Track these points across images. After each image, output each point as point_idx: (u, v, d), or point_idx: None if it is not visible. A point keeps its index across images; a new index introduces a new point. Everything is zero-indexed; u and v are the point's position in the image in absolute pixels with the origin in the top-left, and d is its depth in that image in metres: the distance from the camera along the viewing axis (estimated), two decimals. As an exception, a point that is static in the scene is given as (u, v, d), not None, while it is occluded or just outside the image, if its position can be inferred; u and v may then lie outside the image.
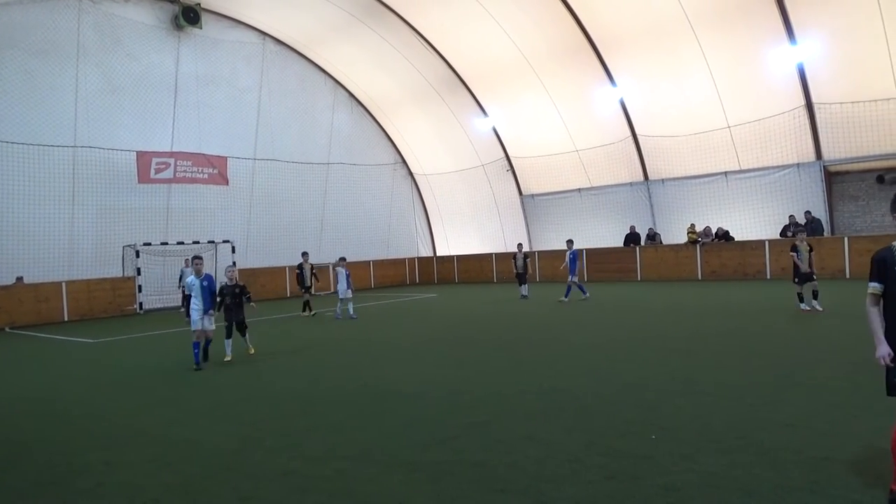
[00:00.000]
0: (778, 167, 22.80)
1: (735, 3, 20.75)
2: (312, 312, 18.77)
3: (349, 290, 17.42)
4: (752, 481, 4.49)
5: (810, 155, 22.06)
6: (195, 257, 11.18)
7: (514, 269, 20.86)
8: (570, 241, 19.43)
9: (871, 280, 4.14)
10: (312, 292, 19.26)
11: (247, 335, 11.69)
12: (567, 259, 18.88)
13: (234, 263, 11.87)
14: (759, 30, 20.87)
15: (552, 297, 20.64)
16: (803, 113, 21.59)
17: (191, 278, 10.85)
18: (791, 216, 22.13)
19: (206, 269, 25.24)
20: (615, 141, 26.26)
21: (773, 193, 23.09)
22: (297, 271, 19.57)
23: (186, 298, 10.76)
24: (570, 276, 18.66)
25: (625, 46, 23.77)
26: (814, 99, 21.19)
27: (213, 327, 10.86)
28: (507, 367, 9.35)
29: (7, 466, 5.88)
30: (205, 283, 10.81)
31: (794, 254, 13.40)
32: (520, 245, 21.90)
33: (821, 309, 12.97)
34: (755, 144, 23.03)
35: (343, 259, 18.21)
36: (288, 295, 27.72)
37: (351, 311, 17.51)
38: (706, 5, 21.24)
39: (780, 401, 6.55)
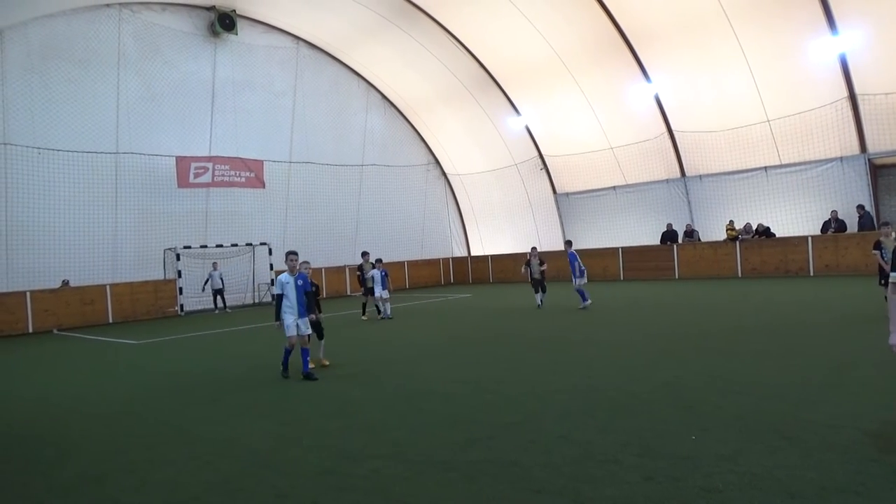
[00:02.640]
0: (820, 161, 22.17)
1: (773, -6, 20.29)
2: (364, 317, 18.08)
3: (385, 291, 17.50)
4: (795, 483, 4.38)
5: (854, 148, 21.40)
6: (290, 252, 9.69)
7: (529, 275, 18.06)
8: (567, 242, 17.99)
9: (892, 270, 4.51)
10: (386, 296, 17.79)
11: (323, 343, 10.49)
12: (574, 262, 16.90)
13: (308, 262, 10.54)
14: (798, 21, 20.33)
15: (590, 294, 20.44)
16: (846, 105, 20.96)
17: (284, 275, 9.60)
18: (833, 211, 21.51)
19: (245, 270, 25.94)
20: (650, 137, 25.89)
21: (815, 188, 22.47)
22: (358, 273, 18.73)
23: (265, 299, 9.89)
24: (577, 280, 16.76)
25: (659, 41, 23.40)
26: (857, 90, 20.55)
27: (310, 331, 9.85)
28: (541, 367, 9.29)
29: (55, 463, 6.06)
30: (300, 283, 9.64)
31: (878, 252, 11.77)
32: (533, 248, 18.73)
33: None
34: (796, 138, 22.44)
35: (379, 260, 17.98)
36: (324, 296, 28.01)
37: (388, 311, 17.64)
38: (743, -3, 20.81)
39: (825, 401, 6.37)
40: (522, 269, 18.40)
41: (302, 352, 9.63)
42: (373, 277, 17.65)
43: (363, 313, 18.38)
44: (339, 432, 6.48)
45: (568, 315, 15.79)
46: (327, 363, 10.36)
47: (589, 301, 16.67)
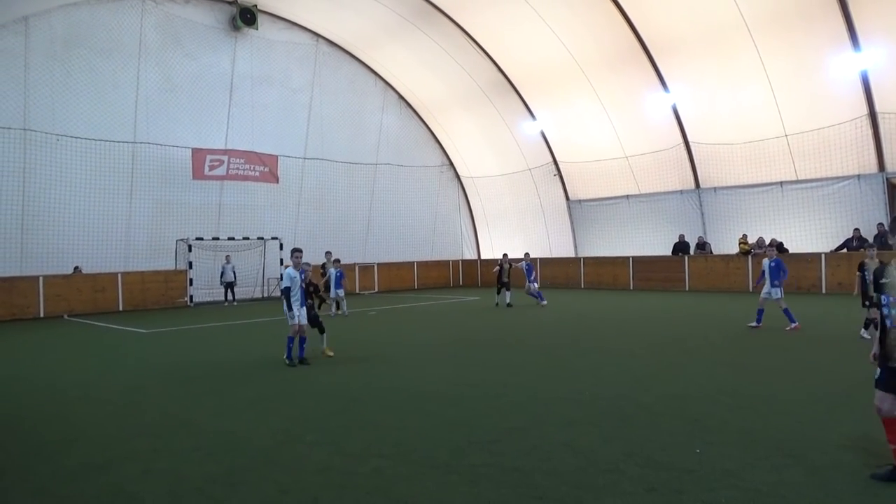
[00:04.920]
0: (837, 178, 21.97)
1: (796, 9, 20.10)
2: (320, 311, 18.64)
3: (340, 290, 18.45)
4: (800, 501, 4.35)
5: (872, 166, 21.19)
6: (295, 250, 10.75)
7: (501, 277, 20.45)
8: (526, 254, 22.51)
9: (875, 291, 4.98)
10: (342, 295, 18.67)
11: (325, 336, 11.19)
12: (524, 268, 21.05)
13: (309, 264, 11.51)
14: (821, 36, 20.17)
15: (598, 303, 20.42)
16: (866, 122, 20.76)
17: (290, 270, 10.45)
18: (856, 229, 21.21)
19: (255, 264, 26.03)
20: (666, 147, 25.76)
21: (831, 205, 22.26)
22: (321, 271, 19.68)
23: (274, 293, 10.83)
24: (532, 285, 20.84)
25: (679, 52, 23.28)
26: (877, 108, 20.33)
27: (306, 322, 10.65)
28: (547, 373, 9.27)
29: (61, 449, 6.11)
30: (303, 276, 10.67)
31: (861, 273, 11.59)
32: (505, 255, 21.68)
33: (868, 337, 11.17)
34: (814, 154, 22.23)
35: (337, 261, 19.04)
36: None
37: (332, 311, 18.47)
38: (765, 11, 20.64)
39: (832, 419, 6.32)
40: (495, 269, 21.06)
41: (300, 339, 10.55)
42: (331, 276, 18.57)
43: (318, 307, 18.83)
44: (343, 430, 6.49)
45: (576, 323, 15.76)
46: (331, 353, 11.13)
47: (545, 301, 20.35)
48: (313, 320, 11.00)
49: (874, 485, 4.58)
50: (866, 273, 11.27)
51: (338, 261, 19.11)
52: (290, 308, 10.37)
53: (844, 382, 8.02)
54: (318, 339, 11.21)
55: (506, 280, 20.45)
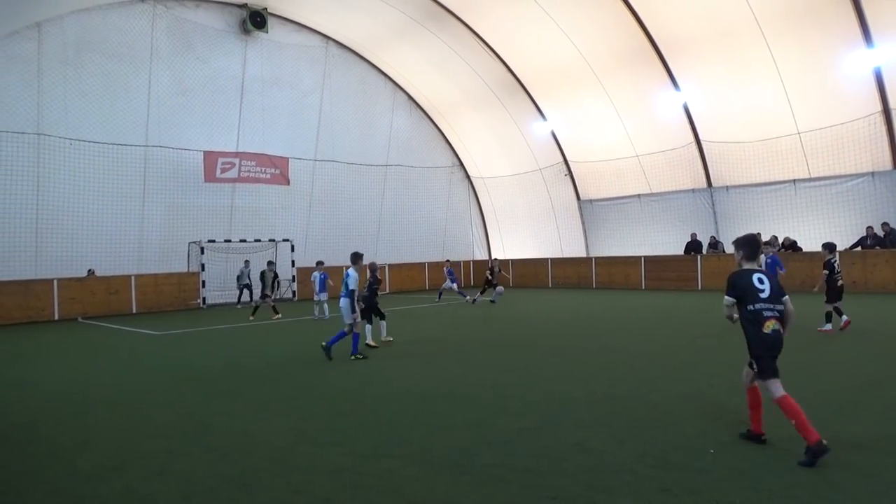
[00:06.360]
0: (851, 175, 21.76)
1: (808, 6, 19.94)
2: (278, 315, 18.93)
3: (323, 293, 18.37)
4: (813, 501, 4.31)
5: (887, 163, 20.98)
6: (361, 255, 11.98)
7: (491, 277, 22.54)
8: (447, 260, 25.46)
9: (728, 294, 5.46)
10: (324, 298, 18.47)
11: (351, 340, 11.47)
12: (445, 271, 24.28)
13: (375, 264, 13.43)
14: (833, 33, 19.99)
15: (611, 303, 20.36)
16: (880, 119, 20.56)
17: (316, 274, 11.81)
18: (869, 227, 21.03)
19: (262, 266, 26.30)
20: (677, 146, 25.62)
21: (845, 203, 22.04)
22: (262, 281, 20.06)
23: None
24: (454, 285, 23.89)
25: (690, 50, 23.17)
26: (891, 105, 20.14)
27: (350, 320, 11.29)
28: (558, 373, 9.24)
29: (76, 450, 6.17)
30: (323, 276, 12.31)
31: (826, 271, 12.43)
32: (495, 258, 25.13)
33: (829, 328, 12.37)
34: (827, 151, 22.04)
35: (320, 263, 19.00)
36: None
37: (317, 313, 18.51)
38: (776, 8, 20.50)
39: (847, 419, 6.26)
40: (488, 274, 22.96)
41: (341, 334, 11.27)
42: (313, 280, 18.65)
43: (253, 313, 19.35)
44: (355, 431, 6.50)
45: (588, 323, 15.71)
46: (390, 339, 12.86)
47: (468, 298, 22.66)
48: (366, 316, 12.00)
49: (889, 486, 4.53)
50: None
51: (321, 263, 18.96)
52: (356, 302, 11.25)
53: (856, 381, 7.95)
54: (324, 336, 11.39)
55: (493, 280, 22.32)
